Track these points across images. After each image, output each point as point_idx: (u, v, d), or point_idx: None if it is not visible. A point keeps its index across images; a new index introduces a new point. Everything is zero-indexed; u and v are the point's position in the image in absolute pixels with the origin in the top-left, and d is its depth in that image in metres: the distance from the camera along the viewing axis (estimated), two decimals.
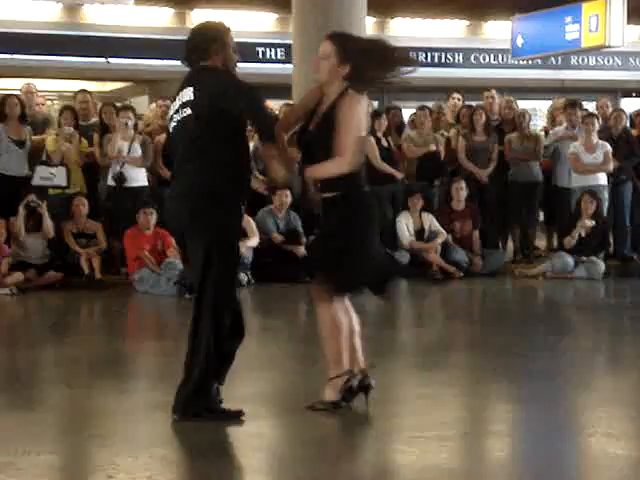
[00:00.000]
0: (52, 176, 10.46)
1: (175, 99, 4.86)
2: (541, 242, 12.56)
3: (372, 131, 11.40)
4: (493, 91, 12.80)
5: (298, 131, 5.00)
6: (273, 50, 16.86)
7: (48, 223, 10.21)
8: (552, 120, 12.52)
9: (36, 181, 10.44)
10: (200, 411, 4.67)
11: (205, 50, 4.83)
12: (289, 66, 12.32)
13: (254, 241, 10.29)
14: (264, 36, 16.87)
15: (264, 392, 5.47)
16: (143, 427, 4.70)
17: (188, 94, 4.77)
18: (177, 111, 4.82)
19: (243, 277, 10.09)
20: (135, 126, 10.84)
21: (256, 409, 4.98)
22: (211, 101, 4.69)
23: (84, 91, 11.77)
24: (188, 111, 4.75)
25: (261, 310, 9.33)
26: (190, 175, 4.75)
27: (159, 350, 7.14)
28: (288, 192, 10.68)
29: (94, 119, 11.24)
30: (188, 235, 4.78)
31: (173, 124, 4.85)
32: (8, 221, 10.16)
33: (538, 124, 13.36)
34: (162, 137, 10.43)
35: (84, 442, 4.54)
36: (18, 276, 9.86)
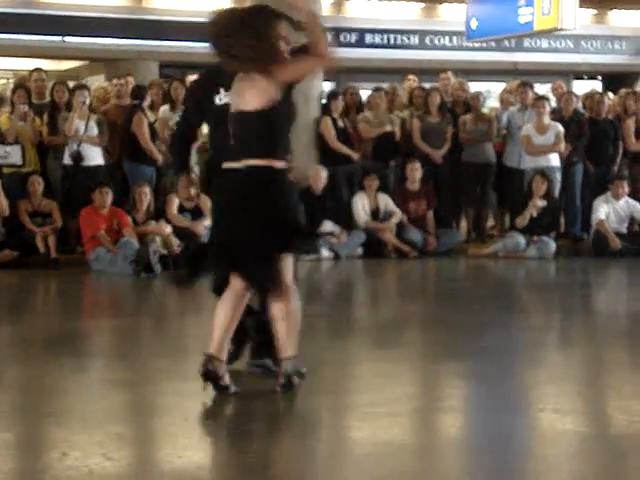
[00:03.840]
0: (7, 154, 10.39)
1: None
2: (493, 222, 12.70)
3: (328, 112, 11.47)
4: (449, 73, 12.90)
5: None
6: None
7: (3, 201, 10.14)
8: (505, 101, 12.64)
9: None
10: None
11: None
12: None
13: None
14: None
15: None
16: (98, 405, 4.70)
17: None
18: None
19: None
20: (90, 105, 10.80)
21: (210, 388, 5.03)
22: None
23: (39, 70, 11.67)
24: None
25: None
26: None
27: (115, 328, 7.15)
28: None
29: (48, 98, 11.17)
30: None
31: None
32: None
33: (492, 106, 13.48)
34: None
35: (39, 420, 4.55)
36: None
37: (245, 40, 4.59)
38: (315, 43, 4.66)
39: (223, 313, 4.77)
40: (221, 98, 4.97)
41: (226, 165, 4.76)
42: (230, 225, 4.73)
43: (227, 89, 4.87)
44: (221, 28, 4.66)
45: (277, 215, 4.67)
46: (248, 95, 4.65)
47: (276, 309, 4.78)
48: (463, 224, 12.34)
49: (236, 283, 4.76)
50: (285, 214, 4.70)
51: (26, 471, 3.86)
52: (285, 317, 4.77)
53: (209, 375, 4.72)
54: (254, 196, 4.65)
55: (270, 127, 4.67)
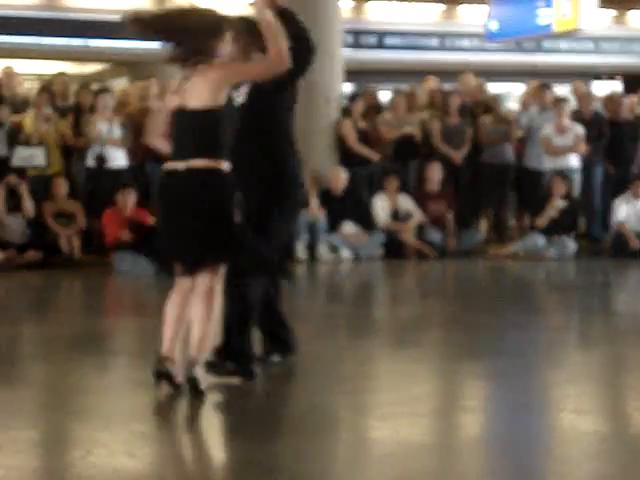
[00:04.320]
0: (31, 157, 10.49)
1: None
2: (513, 223, 12.70)
3: (349, 113, 11.51)
4: (469, 74, 12.92)
5: None
6: None
7: (28, 203, 10.24)
8: (524, 103, 12.64)
9: (15, 162, 10.46)
10: None
11: None
12: None
13: None
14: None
15: None
16: (122, 403, 4.75)
17: None
18: None
19: None
20: (113, 108, 10.89)
21: (231, 385, 5.05)
22: None
23: (63, 73, 11.79)
24: None
25: None
26: None
27: (138, 328, 7.21)
28: None
29: (73, 101, 11.27)
30: None
31: None
32: None
33: (511, 107, 13.48)
34: None
35: (64, 418, 4.57)
36: None
37: (202, 38, 4.64)
38: (268, 44, 4.61)
39: (171, 313, 4.76)
40: (239, 95, 4.95)
41: (169, 166, 4.71)
42: (175, 224, 4.70)
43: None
44: (176, 24, 4.69)
45: (221, 219, 4.63)
46: (196, 92, 4.62)
47: (195, 311, 4.70)
48: (483, 225, 12.33)
49: (181, 281, 4.77)
50: (229, 221, 4.65)
51: (50, 469, 3.89)
52: (203, 320, 4.69)
53: (161, 375, 4.72)
54: (199, 197, 4.61)
55: (217, 126, 4.65)
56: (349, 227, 11.03)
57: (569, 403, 4.77)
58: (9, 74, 11.46)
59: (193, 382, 4.66)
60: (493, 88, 12.96)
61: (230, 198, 4.64)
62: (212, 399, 4.73)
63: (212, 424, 4.44)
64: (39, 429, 4.45)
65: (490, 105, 12.13)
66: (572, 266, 10.92)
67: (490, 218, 12.20)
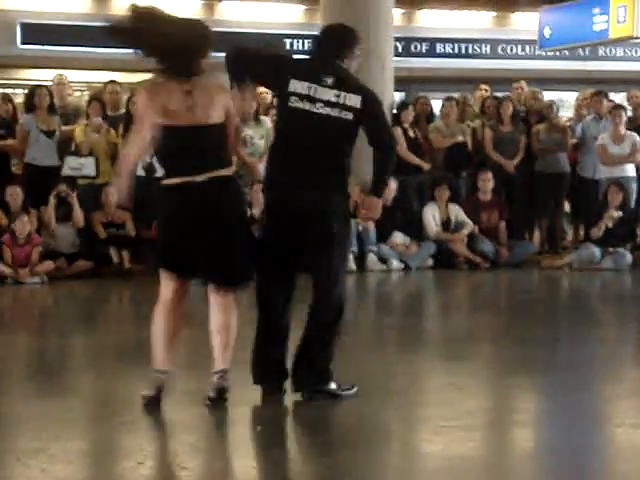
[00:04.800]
0: (81, 166, 10.56)
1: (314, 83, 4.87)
2: (567, 233, 12.53)
3: (399, 122, 11.43)
4: (522, 82, 12.80)
5: None
6: (300, 41, 16.87)
7: (78, 213, 10.32)
8: (578, 111, 12.49)
9: (65, 171, 10.54)
10: None
11: (350, 50, 4.96)
12: None
13: None
14: (292, 27, 16.85)
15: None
16: (172, 414, 4.73)
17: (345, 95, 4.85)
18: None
19: None
20: None
21: (282, 396, 5.04)
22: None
23: (113, 82, 11.84)
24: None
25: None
26: None
27: (187, 338, 7.18)
28: None
29: (123, 110, 11.32)
30: None
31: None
32: (39, 211, 10.29)
33: (565, 115, 13.32)
34: None
35: (114, 429, 4.59)
36: (48, 265, 9.96)
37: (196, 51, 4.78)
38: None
39: (158, 326, 4.82)
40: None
41: (184, 179, 4.73)
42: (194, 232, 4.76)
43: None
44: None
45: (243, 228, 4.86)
46: (211, 109, 4.73)
47: (215, 322, 4.82)
48: (536, 235, 12.19)
49: (166, 293, 4.82)
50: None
51: None
52: (222, 330, 4.79)
53: (162, 389, 4.77)
54: (228, 203, 4.78)
55: (225, 140, 4.84)
56: (399, 237, 10.95)
57: (627, 417, 4.70)
58: (60, 84, 11.56)
59: (218, 392, 4.71)
60: (547, 96, 12.79)
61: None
62: (260, 412, 4.69)
63: (263, 435, 4.40)
64: (89, 440, 4.49)
65: (544, 113, 11.98)
66: (628, 278, 10.74)
67: (544, 228, 12.04)
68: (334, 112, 4.85)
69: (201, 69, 4.77)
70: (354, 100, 4.85)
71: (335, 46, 4.97)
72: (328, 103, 4.85)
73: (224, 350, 4.78)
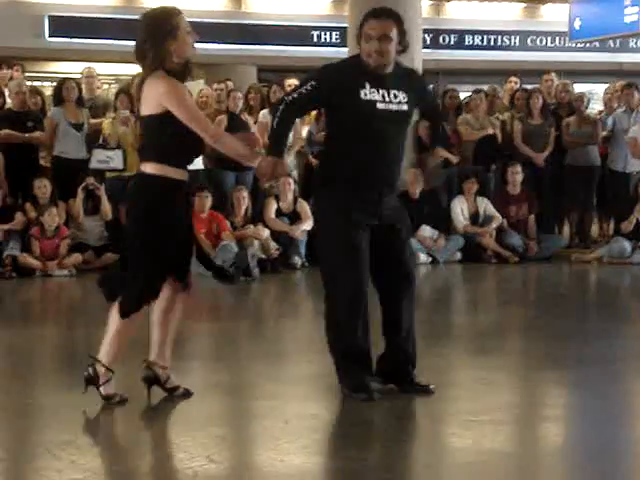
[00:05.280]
0: (109, 159, 10.58)
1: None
2: (595, 227, 12.44)
3: None
4: (552, 74, 12.68)
5: None
6: (328, 34, 16.84)
7: (106, 205, 10.35)
8: (608, 103, 12.37)
9: (93, 164, 10.56)
10: None
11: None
12: (344, 49, 12.30)
13: (308, 224, 10.31)
14: (319, 19, 16.85)
15: (317, 374, 5.45)
16: (201, 407, 4.74)
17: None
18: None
19: (297, 260, 10.20)
20: None
21: (309, 391, 5.05)
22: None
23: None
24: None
25: (315, 293, 9.35)
26: None
27: (215, 331, 7.21)
28: None
29: None
30: None
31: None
32: (67, 204, 10.35)
33: (596, 108, 13.20)
34: None
35: (142, 421, 4.61)
36: (76, 257, 10.01)
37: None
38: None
39: (156, 317, 4.95)
40: (366, 93, 4.84)
41: (180, 175, 4.87)
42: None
43: (373, 85, 4.85)
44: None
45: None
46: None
47: (157, 314, 4.95)
48: (566, 229, 12.10)
49: (163, 292, 4.97)
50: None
51: (131, 472, 3.90)
52: (165, 323, 4.94)
53: (150, 381, 4.85)
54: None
55: None
56: (427, 231, 10.90)
57: None
58: (89, 76, 11.60)
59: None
60: (577, 88, 12.69)
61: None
62: (289, 407, 4.68)
63: (290, 429, 4.39)
64: (118, 432, 4.52)
65: (574, 106, 11.87)
66: None
67: (573, 222, 11.94)
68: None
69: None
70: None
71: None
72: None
73: (169, 343, 4.92)
